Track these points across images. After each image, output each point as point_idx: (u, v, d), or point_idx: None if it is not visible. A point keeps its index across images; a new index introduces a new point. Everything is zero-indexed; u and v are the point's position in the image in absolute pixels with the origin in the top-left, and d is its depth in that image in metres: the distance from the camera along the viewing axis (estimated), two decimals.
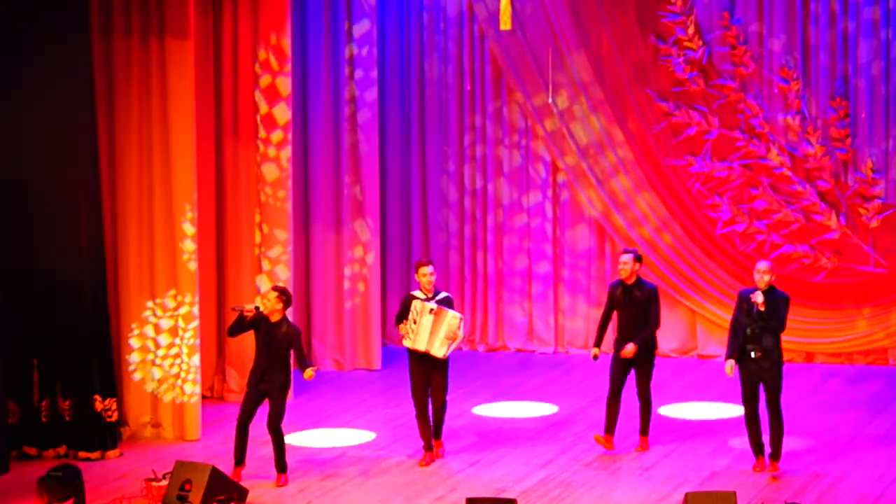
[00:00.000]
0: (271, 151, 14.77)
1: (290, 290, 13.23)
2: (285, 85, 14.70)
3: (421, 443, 12.83)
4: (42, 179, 12.96)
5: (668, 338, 16.92)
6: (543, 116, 17.08)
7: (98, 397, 13.11)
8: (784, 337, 12.23)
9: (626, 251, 13.02)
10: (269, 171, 14.80)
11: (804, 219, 16.49)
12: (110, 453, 13.11)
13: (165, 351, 13.62)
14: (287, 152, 14.79)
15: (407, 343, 12.64)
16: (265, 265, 14.85)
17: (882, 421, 13.98)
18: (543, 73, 16.87)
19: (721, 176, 16.71)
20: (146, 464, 12.60)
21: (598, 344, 13.03)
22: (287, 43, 14.64)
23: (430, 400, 12.76)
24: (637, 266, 12.86)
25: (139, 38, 13.46)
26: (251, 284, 14.84)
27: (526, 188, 17.36)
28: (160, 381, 13.63)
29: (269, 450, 12.33)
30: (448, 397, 12.86)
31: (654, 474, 12.37)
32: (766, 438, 12.29)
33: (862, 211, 16.30)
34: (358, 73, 16.28)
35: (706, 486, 11.84)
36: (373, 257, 16.50)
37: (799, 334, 16.04)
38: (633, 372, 12.90)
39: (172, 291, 13.56)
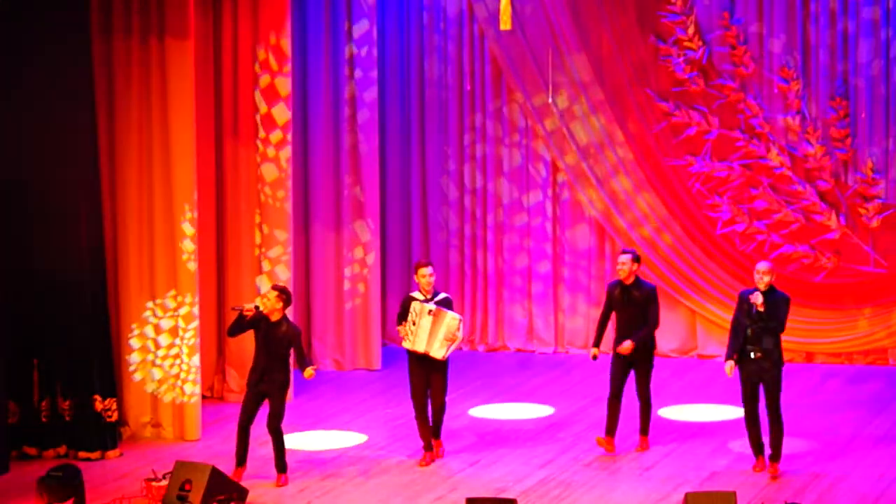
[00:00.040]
0: (270, 151, 14.77)
1: (290, 290, 13.22)
2: (284, 85, 14.70)
3: (421, 443, 12.83)
4: (42, 179, 12.96)
5: (668, 338, 16.92)
6: (543, 116, 17.09)
7: (98, 397, 13.11)
8: (784, 337, 12.23)
9: (624, 251, 13.02)
10: (269, 172, 14.80)
11: (804, 219, 16.49)
12: (110, 453, 13.11)
13: (166, 351, 13.62)
14: (286, 152, 14.79)
15: (406, 344, 12.64)
16: (265, 265, 14.85)
17: (882, 421, 13.98)
18: (543, 73, 16.87)
19: (721, 176, 16.71)
20: (146, 464, 12.60)
21: (597, 344, 13.03)
22: (287, 43, 14.64)
23: (429, 401, 12.76)
24: (636, 266, 12.86)
25: (139, 38, 13.46)
26: (251, 284, 14.84)
27: (526, 187, 17.36)
28: (160, 382, 13.63)
29: (269, 450, 12.33)
30: (447, 398, 12.86)
31: (654, 474, 12.37)
32: (766, 439, 12.29)
33: (862, 211, 16.30)
34: (357, 73, 16.29)
35: (706, 486, 11.84)
36: (373, 258, 16.51)
37: (799, 334, 16.04)
38: (632, 373, 12.90)
39: (172, 292, 13.56)
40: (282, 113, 14.73)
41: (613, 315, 13.01)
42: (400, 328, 12.67)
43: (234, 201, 14.95)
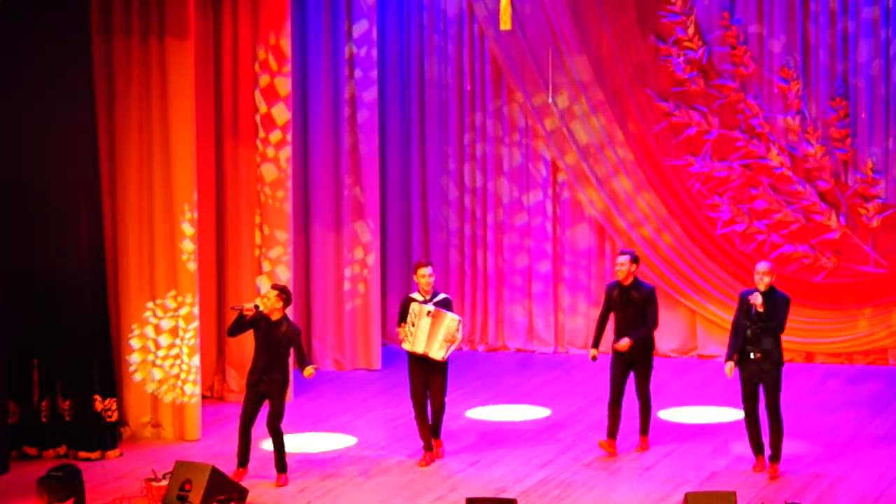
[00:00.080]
0: (270, 152, 14.77)
1: (290, 290, 13.22)
2: (284, 85, 14.70)
3: (421, 443, 12.83)
4: (42, 179, 12.96)
5: (668, 338, 16.93)
6: (543, 116, 17.09)
7: (98, 397, 13.11)
8: (784, 337, 12.23)
9: (623, 252, 13.02)
10: (269, 172, 14.80)
11: (804, 219, 16.49)
12: (110, 453, 13.11)
13: (166, 351, 13.62)
14: (286, 152, 14.79)
15: (406, 346, 12.64)
16: (265, 266, 14.85)
17: (882, 421, 13.98)
18: (543, 73, 16.87)
19: (721, 176, 16.71)
20: (146, 464, 12.59)
21: (595, 345, 13.03)
22: (286, 43, 14.64)
23: (429, 401, 12.76)
24: (634, 267, 12.86)
25: (139, 38, 13.46)
26: (251, 285, 14.84)
27: (526, 187, 17.36)
28: (160, 382, 13.63)
29: (269, 450, 12.32)
30: (447, 398, 12.85)
31: (654, 474, 12.37)
32: (766, 439, 12.29)
33: (862, 211, 16.30)
34: (357, 74, 16.29)
35: (706, 486, 11.84)
36: (373, 258, 16.51)
37: (799, 334, 16.04)
38: (632, 373, 12.91)
39: (173, 292, 13.56)
40: (281, 113, 14.73)
41: (612, 316, 13.01)
42: (399, 330, 12.67)
43: (234, 201, 14.95)
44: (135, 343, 13.59)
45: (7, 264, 12.80)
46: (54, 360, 13.07)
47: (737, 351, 12.16)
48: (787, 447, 12.38)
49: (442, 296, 12.77)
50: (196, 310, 13.57)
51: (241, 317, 12.13)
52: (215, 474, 11.38)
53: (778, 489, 11.83)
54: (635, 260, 12.89)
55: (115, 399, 13.24)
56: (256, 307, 12.09)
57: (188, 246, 13.53)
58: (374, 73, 16.37)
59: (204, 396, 14.33)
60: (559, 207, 17.34)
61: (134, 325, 13.58)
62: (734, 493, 10.65)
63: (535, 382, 15.90)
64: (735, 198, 16.70)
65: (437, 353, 12.52)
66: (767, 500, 11.50)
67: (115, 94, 13.52)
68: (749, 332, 12.07)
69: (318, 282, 16.52)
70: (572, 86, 16.95)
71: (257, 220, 14.89)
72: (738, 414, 13.61)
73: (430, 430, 12.79)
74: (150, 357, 13.63)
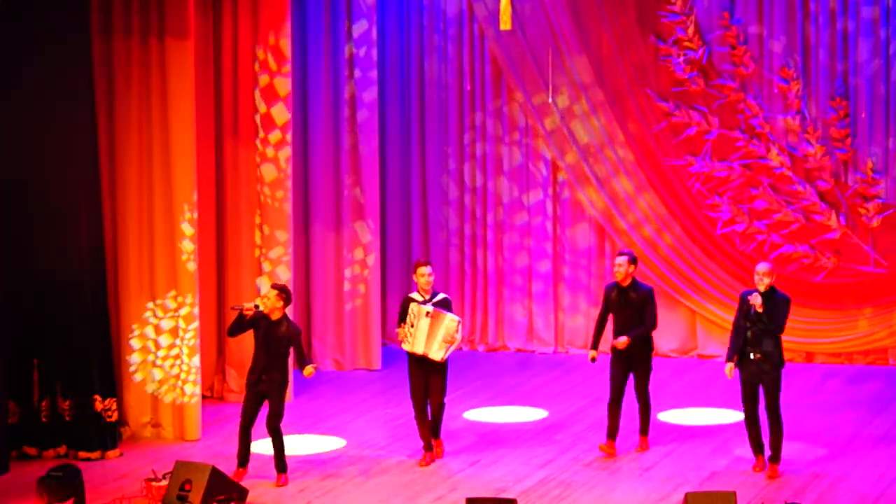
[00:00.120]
0: (269, 152, 14.77)
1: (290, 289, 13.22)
2: (283, 85, 14.69)
3: (421, 443, 12.83)
4: (42, 179, 12.96)
5: (668, 338, 16.93)
6: (543, 116, 17.09)
7: (98, 397, 13.11)
8: (784, 337, 12.22)
9: (621, 253, 13.01)
10: (268, 172, 14.80)
11: (804, 219, 16.49)
12: (110, 453, 13.11)
13: (166, 352, 13.61)
14: (285, 153, 14.79)
15: (405, 346, 12.63)
16: (266, 266, 14.85)
17: (882, 421, 13.98)
18: (543, 73, 16.87)
19: (721, 176, 16.71)
20: (146, 464, 12.59)
21: (594, 347, 13.01)
22: (286, 43, 14.64)
23: (429, 401, 12.76)
24: (632, 268, 12.85)
25: (139, 38, 13.46)
26: (251, 285, 14.84)
27: (526, 186, 17.36)
28: (161, 382, 13.62)
29: (262, 452, 12.31)
30: (446, 398, 12.84)
31: (654, 474, 12.37)
32: (766, 439, 12.29)
33: (862, 211, 16.30)
34: (357, 74, 16.28)
35: (706, 486, 11.84)
36: (373, 259, 16.50)
37: (799, 334, 16.04)
38: (631, 374, 12.91)
39: (173, 292, 13.56)
40: (281, 113, 14.73)
41: (611, 317, 13.00)
42: (398, 330, 12.66)
43: (234, 201, 14.95)
44: (135, 343, 13.59)
45: (7, 264, 12.80)
46: (54, 360, 13.06)
47: (737, 352, 12.16)
48: (787, 447, 12.38)
49: (441, 296, 12.77)
50: (196, 310, 13.57)
51: (241, 316, 12.13)
52: (215, 474, 11.37)
53: (778, 489, 11.83)
54: (633, 261, 12.89)
55: (115, 399, 13.24)
56: (256, 307, 12.09)
57: (188, 246, 13.53)
58: (374, 74, 16.37)
59: (204, 396, 14.32)
60: (559, 207, 17.34)
61: (134, 326, 13.58)
62: (734, 493, 10.65)
63: (535, 383, 15.90)
64: (735, 198, 16.70)
65: (437, 353, 12.51)
66: (767, 500, 11.50)
67: (115, 94, 13.52)
68: (749, 333, 12.07)
69: (318, 282, 16.52)
70: (572, 86, 16.95)
71: (257, 220, 14.88)
72: (738, 416, 13.62)
73: (430, 429, 12.79)
74: (151, 357, 13.62)
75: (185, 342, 13.57)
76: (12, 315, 12.84)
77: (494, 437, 13.69)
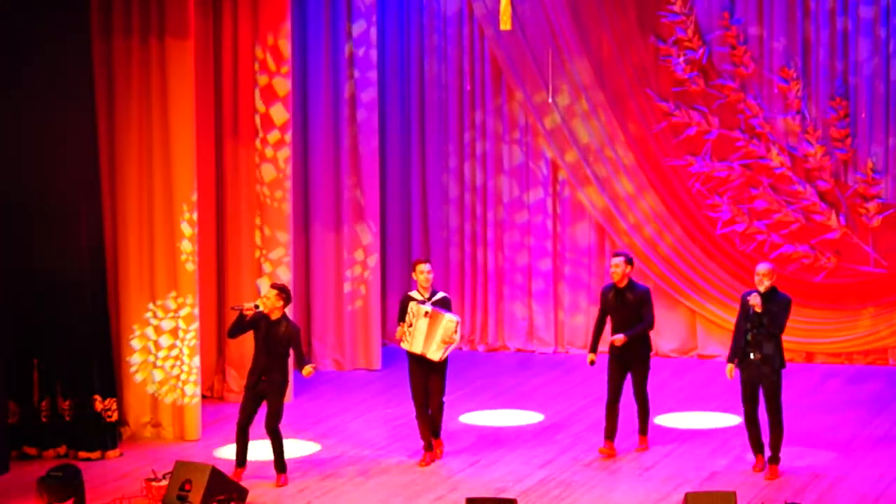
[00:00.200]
0: (268, 152, 14.77)
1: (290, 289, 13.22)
2: (282, 85, 14.69)
3: (421, 443, 12.83)
4: (42, 179, 12.96)
5: (668, 338, 16.94)
6: (543, 115, 17.09)
7: (98, 397, 13.11)
8: (784, 337, 12.21)
9: (616, 254, 12.99)
10: (268, 172, 14.80)
11: (804, 219, 16.49)
12: (110, 453, 13.11)
13: (166, 352, 13.61)
14: (284, 153, 14.79)
15: (404, 345, 12.63)
16: (266, 267, 14.84)
17: (882, 421, 13.98)
18: (543, 73, 16.87)
19: (721, 176, 16.71)
20: (146, 464, 12.59)
21: (593, 349, 13.00)
22: (285, 44, 14.63)
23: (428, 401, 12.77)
24: (629, 268, 12.84)
25: (139, 38, 13.46)
26: (251, 285, 14.84)
27: (527, 185, 17.36)
28: (161, 383, 13.62)
29: (268, 450, 12.31)
30: (446, 398, 12.84)
31: (654, 474, 12.37)
32: (766, 440, 12.29)
33: (862, 211, 16.30)
34: (356, 74, 16.29)
35: (706, 486, 11.84)
36: (374, 260, 16.50)
37: (799, 334, 16.04)
38: (629, 374, 12.90)
39: (173, 293, 13.55)
40: (279, 113, 14.73)
41: (609, 319, 12.99)
42: (397, 330, 12.66)
43: (234, 202, 14.95)
44: (136, 344, 13.59)
45: (7, 264, 12.80)
46: (54, 360, 13.06)
47: (738, 353, 12.15)
48: (787, 447, 12.39)
49: (441, 294, 12.75)
50: (196, 311, 13.57)
51: (241, 317, 12.12)
52: (215, 474, 11.37)
53: (778, 489, 11.83)
54: (629, 261, 12.88)
55: (115, 399, 13.24)
56: (256, 307, 12.09)
57: (187, 246, 13.53)
58: (373, 74, 16.36)
59: (204, 396, 14.33)
60: (560, 205, 17.34)
61: (135, 326, 13.58)
62: (734, 493, 10.65)
63: (535, 383, 15.90)
64: (735, 198, 16.70)
65: (435, 353, 12.50)
66: (767, 500, 11.50)
67: (115, 94, 13.52)
68: (750, 335, 12.06)
69: (318, 282, 16.52)
70: (573, 86, 16.95)
71: (257, 221, 14.88)
72: (736, 420, 13.65)
73: (430, 429, 12.79)
74: (151, 358, 13.62)
75: (186, 343, 13.57)
76: (12, 315, 12.84)
77: (494, 437, 13.69)
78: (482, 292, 17.60)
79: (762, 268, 12.09)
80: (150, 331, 13.59)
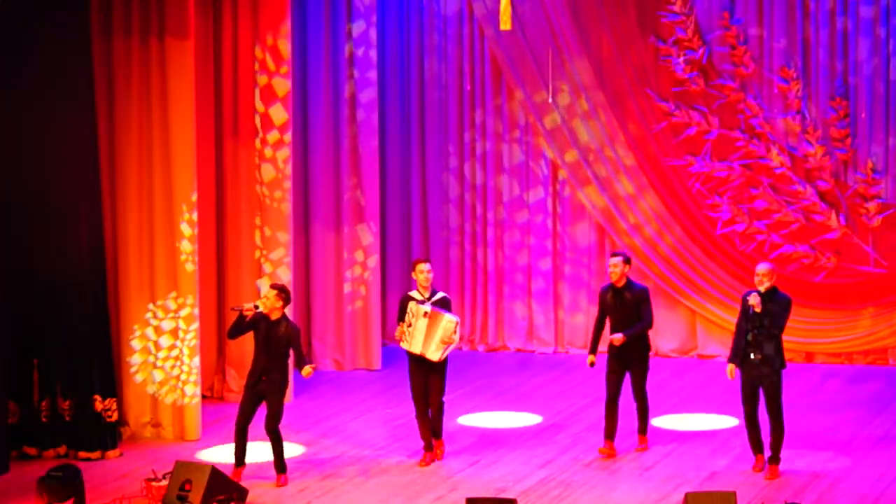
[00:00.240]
0: (268, 152, 14.77)
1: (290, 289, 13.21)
2: (281, 86, 14.69)
3: (421, 443, 12.83)
4: (42, 179, 12.96)
5: (668, 338, 16.94)
6: (543, 115, 17.09)
7: (98, 397, 13.11)
8: (784, 337, 12.21)
9: (614, 254, 12.99)
10: (268, 172, 14.80)
11: (804, 219, 16.49)
12: (110, 453, 13.11)
13: (167, 353, 13.61)
14: (283, 153, 14.78)
15: (404, 345, 12.62)
16: (267, 267, 14.84)
17: (882, 421, 13.97)
18: (543, 73, 16.87)
19: (721, 176, 16.71)
20: (146, 464, 12.59)
21: (593, 351, 12.99)
22: (284, 44, 14.63)
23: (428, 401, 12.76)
24: (627, 268, 12.84)
25: (139, 38, 13.46)
26: (251, 285, 14.84)
27: (527, 184, 17.36)
28: (161, 384, 13.62)
29: (268, 450, 12.31)
30: (446, 398, 12.84)
31: (654, 474, 12.37)
32: (766, 440, 12.28)
33: (862, 211, 16.30)
34: (356, 74, 16.29)
35: (706, 486, 11.83)
36: (374, 261, 16.50)
37: (799, 334, 16.04)
38: (628, 374, 12.90)
39: (173, 293, 13.55)
40: (279, 113, 14.73)
41: (608, 320, 12.98)
42: (396, 330, 12.65)
43: (235, 202, 14.95)
44: (136, 344, 13.58)
45: (7, 264, 12.80)
46: (54, 360, 13.06)
47: (738, 353, 12.15)
48: (787, 447, 12.38)
49: (440, 294, 12.74)
50: (196, 311, 13.56)
51: (240, 318, 12.12)
52: (215, 474, 11.37)
53: (778, 489, 11.83)
54: (627, 261, 12.88)
55: (115, 399, 13.24)
56: (256, 307, 12.09)
57: (186, 246, 13.53)
58: (372, 74, 16.35)
59: (204, 396, 14.33)
60: (560, 204, 17.34)
61: (135, 326, 13.58)
62: (734, 493, 10.65)
63: (535, 383, 15.90)
64: (735, 198, 16.69)
65: (434, 354, 12.50)
66: (767, 500, 11.50)
67: (115, 94, 13.52)
68: (750, 336, 12.05)
69: (318, 283, 16.51)
70: (573, 86, 16.95)
71: (258, 221, 14.88)
72: (735, 421, 13.65)
73: (431, 430, 12.78)
74: (151, 358, 13.62)
75: (186, 343, 13.57)
76: (12, 315, 12.84)
77: (494, 437, 13.69)
78: (482, 292, 17.60)
79: (762, 268, 12.08)
80: (150, 331, 13.59)
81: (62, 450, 13.11)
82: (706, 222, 16.81)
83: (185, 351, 13.58)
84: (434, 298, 12.63)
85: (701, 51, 16.56)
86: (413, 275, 12.74)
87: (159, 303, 13.57)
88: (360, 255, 16.47)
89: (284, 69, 14.68)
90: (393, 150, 17.64)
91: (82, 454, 13.01)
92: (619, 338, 12.70)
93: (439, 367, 12.60)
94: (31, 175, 12.94)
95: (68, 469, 11.42)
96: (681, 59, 16.61)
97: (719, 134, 16.65)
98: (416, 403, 12.71)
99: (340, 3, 16.21)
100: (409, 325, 12.51)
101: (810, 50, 16.32)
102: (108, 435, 13.15)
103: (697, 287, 16.86)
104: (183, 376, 13.60)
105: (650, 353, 13.01)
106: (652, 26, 16.74)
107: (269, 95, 14.70)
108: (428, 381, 12.64)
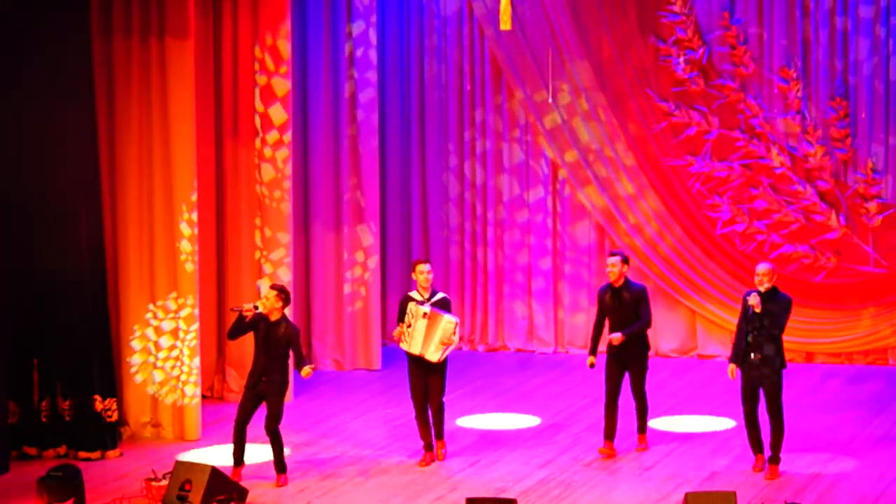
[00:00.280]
0: (267, 152, 14.77)
1: (290, 290, 13.21)
2: (281, 86, 14.69)
3: (421, 443, 12.83)
4: (42, 179, 12.96)
5: (668, 338, 16.93)
6: (543, 115, 17.09)
7: (98, 397, 13.11)
8: (784, 337, 12.21)
9: (612, 253, 12.98)
10: (268, 172, 14.80)
11: (804, 219, 16.49)
12: (110, 453, 13.11)
13: (167, 353, 13.61)
14: (283, 153, 14.79)
15: (403, 346, 12.62)
16: (267, 268, 14.83)
17: (882, 421, 13.97)
18: (543, 73, 16.87)
19: (721, 176, 16.71)
20: (146, 464, 12.59)
21: (593, 352, 12.98)
22: (284, 44, 14.63)
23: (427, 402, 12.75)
24: (625, 268, 12.84)
25: (139, 38, 13.46)
26: (251, 286, 14.84)
27: (527, 183, 17.36)
28: (161, 384, 13.62)
29: (268, 450, 12.31)
30: (446, 398, 12.83)
31: (654, 474, 12.37)
32: (766, 440, 12.28)
33: (862, 211, 16.30)
34: (356, 74, 16.29)
35: (706, 486, 11.83)
36: (374, 261, 16.50)
37: (799, 334, 16.04)
38: (627, 374, 12.91)
39: (174, 294, 13.55)
40: (278, 114, 14.73)
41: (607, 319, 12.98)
42: (396, 330, 12.64)
43: (234, 202, 14.95)
44: (136, 344, 13.58)
45: (7, 264, 12.80)
46: (54, 360, 13.06)
47: (739, 354, 12.14)
48: (787, 447, 12.38)
49: (440, 295, 12.74)
50: (196, 311, 13.56)
51: (240, 318, 12.12)
52: (215, 474, 11.37)
53: (778, 489, 11.83)
54: (626, 261, 12.88)
55: (115, 399, 13.24)
56: (256, 308, 12.08)
57: (186, 247, 13.53)
58: (372, 74, 16.35)
59: (204, 396, 14.33)
60: (560, 204, 17.34)
61: (135, 327, 13.58)
62: (734, 493, 10.64)
63: (535, 383, 15.90)
64: (735, 198, 16.70)
65: (433, 355, 12.49)
66: (767, 500, 11.50)
67: (115, 94, 13.52)
68: (751, 337, 12.05)
69: (318, 283, 16.51)
70: (573, 86, 16.95)
71: (258, 221, 14.88)
72: (732, 423, 13.65)
73: (434, 431, 12.77)
74: (151, 359, 13.62)
75: (186, 343, 13.57)
76: (12, 315, 12.84)
77: (494, 437, 13.69)
78: (482, 291, 17.61)
79: (762, 268, 12.08)
80: (150, 331, 13.58)
81: (62, 450, 13.11)
82: (706, 222, 16.81)
83: (186, 351, 13.58)
84: (434, 299, 12.62)
85: (701, 51, 16.56)
86: (413, 275, 12.73)
87: (159, 303, 13.57)
88: (360, 256, 16.47)
89: (284, 69, 14.68)
90: (393, 150, 17.64)
91: (82, 454, 13.01)
92: (617, 337, 12.70)
93: (439, 368, 12.59)
94: (31, 175, 12.94)
95: (68, 469, 11.42)
96: (681, 59, 16.61)
97: (719, 134, 16.65)
98: (415, 404, 12.70)
99: (340, 3, 16.22)
100: (409, 326, 12.51)
101: (810, 50, 16.33)
102: (108, 435, 13.15)
103: (697, 287, 16.86)
104: (183, 377, 13.60)
105: (649, 353, 13.01)
106: (652, 26, 16.74)
107: (269, 95, 14.70)
108: (428, 381, 12.64)
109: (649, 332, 12.98)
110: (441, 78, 17.44)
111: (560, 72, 16.89)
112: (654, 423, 13.81)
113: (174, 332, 13.58)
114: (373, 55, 16.34)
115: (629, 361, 12.84)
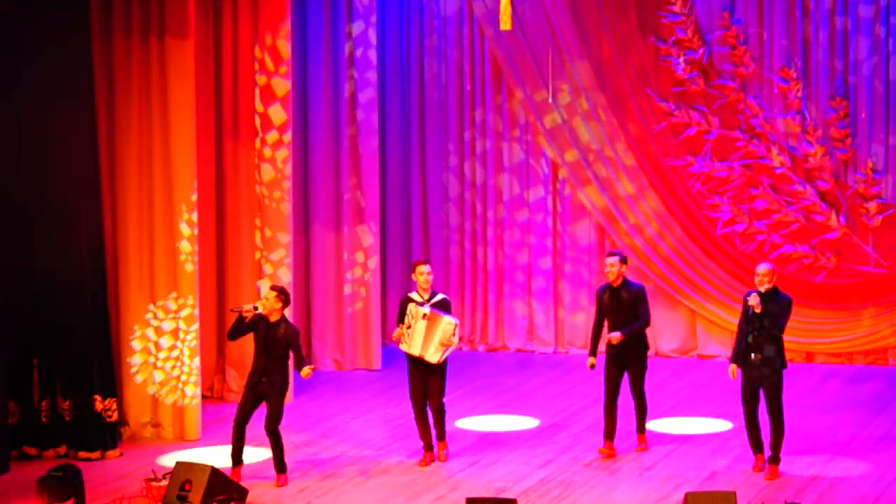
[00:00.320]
0: (267, 152, 14.77)
1: (291, 291, 13.21)
2: (280, 86, 14.69)
3: (421, 443, 12.83)
4: (42, 179, 12.96)
5: (668, 338, 16.93)
6: (543, 115, 17.09)
7: (98, 397, 13.11)
8: (784, 337, 12.21)
9: (611, 253, 12.98)
10: (268, 172, 14.80)
11: (804, 219, 16.49)
12: (110, 453, 13.11)
13: (167, 353, 13.61)
14: (283, 153, 14.78)
15: (403, 347, 12.62)
16: (267, 268, 14.83)
17: (882, 421, 13.97)
18: (543, 73, 16.87)
19: (721, 176, 16.71)
20: (146, 464, 12.59)
21: (593, 353, 12.98)
22: (283, 44, 14.63)
23: (428, 403, 12.74)
24: (624, 267, 12.84)
25: (139, 38, 13.46)
26: (251, 286, 14.84)
27: (527, 182, 17.36)
28: (161, 384, 13.62)
29: (268, 450, 12.32)
30: (446, 399, 12.83)
31: (654, 474, 12.37)
32: (766, 440, 12.28)
33: (862, 211, 16.30)
34: (356, 74, 16.29)
35: (706, 486, 11.83)
36: (374, 261, 16.50)
37: (799, 334, 16.04)
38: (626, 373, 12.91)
39: (174, 294, 13.55)
40: (278, 114, 14.73)
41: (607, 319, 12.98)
42: (395, 331, 12.64)
43: (234, 202, 14.95)
44: (136, 344, 13.58)
45: (7, 264, 12.80)
46: (54, 360, 13.06)
47: (740, 354, 12.14)
48: (787, 447, 12.39)
49: (440, 296, 12.73)
50: (196, 311, 13.56)
51: (240, 319, 12.12)
52: (215, 474, 11.37)
53: (778, 489, 11.83)
54: (624, 260, 12.88)
55: (115, 399, 13.24)
56: (255, 308, 12.08)
57: (186, 247, 13.53)
58: (372, 74, 16.35)
59: (204, 396, 14.33)
60: (560, 203, 17.34)
61: (136, 327, 13.58)
62: (734, 493, 10.64)
63: (535, 383, 15.90)
64: (735, 198, 16.70)
65: (433, 356, 12.48)
66: (767, 500, 11.50)
67: (115, 94, 13.52)
68: (751, 337, 12.05)
69: (318, 283, 16.51)
70: (573, 87, 16.95)
71: (258, 222, 14.88)
72: (730, 424, 13.65)
73: (435, 432, 12.76)
74: (151, 359, 13.62)
75: (186, 343, 13.57)
76: (12, 315, 12.85)
77: (494, 437, 13.69)
78: (482, 291, 17.61)
79: (762, 268, 12.08)
80: (150, 331, 13.59)
81: (62, 450, 13.11)
82: (706, 222, 16.81)
83: (186, 351, 13.58)
84: (434, 300, 12.62)
85: (701, 51, 16.56)
86: (413, 276, 12.73)
87: (159, 303, 13.57)
88: (360, 256, 16.47)
89: (284, 69, 14.68)
90: (393, 150, 17.64)
91: (82, 454, 13.01)
92: (616, 336, 12.70)
93: (439, 369, 12.59)
94: (31, 175, 12.94)
95: (68, 469, 11.42)
96: (681, 60, 16.61)
97: (719, 134, 16.65)
98: (414, 405, 12.70)
99: (340, 3, 16.22)
100: (409, 327, 12.50)
101: (810, 50, 16.33)
102: (108, 435, 13.16)
103: (697, 287, 16.86)
104: (183, 377, 13.61)
105: (648, 353, 13.01)
106: (652, 26, 16.74)
107: (269, 95, 14.70)
108: (427, 382, 12.63)
109: (648, 332, 12.99)
110: (441, 78, 17.44)
111: (560, 72, 16.89)
112: (654, 424, 13.82)
113: (174, 333, 13.58)
114: (373, 55, 16.34)
115: (628, 361, 12.84)
